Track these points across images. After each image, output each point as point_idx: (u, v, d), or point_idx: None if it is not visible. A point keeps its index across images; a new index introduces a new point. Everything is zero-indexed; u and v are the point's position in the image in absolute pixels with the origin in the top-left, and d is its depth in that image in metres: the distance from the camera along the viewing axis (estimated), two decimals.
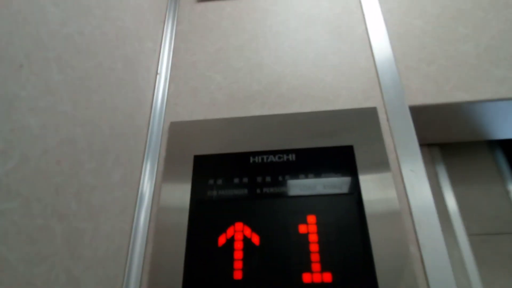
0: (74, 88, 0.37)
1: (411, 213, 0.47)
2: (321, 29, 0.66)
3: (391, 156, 0.52)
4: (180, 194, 0.52)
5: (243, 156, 0.55)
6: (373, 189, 0.49)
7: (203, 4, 0.73)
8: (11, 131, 0.28)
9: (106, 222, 0.42)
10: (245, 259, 0.47)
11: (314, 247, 0.47)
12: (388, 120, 0.55)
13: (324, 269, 0.45)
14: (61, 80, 0.35)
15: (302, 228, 0.48)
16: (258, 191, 0.52)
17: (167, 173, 0.55)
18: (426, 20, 0.64)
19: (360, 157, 0.52)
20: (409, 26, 0.64)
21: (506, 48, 0.59)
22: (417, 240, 0.46)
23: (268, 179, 0.52)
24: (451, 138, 0.67)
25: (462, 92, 0.56)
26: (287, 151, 0.54)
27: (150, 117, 0.59)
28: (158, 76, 0.64)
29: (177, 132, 0.59)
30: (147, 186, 0.53)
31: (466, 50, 0.60)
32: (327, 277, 0.45)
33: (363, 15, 0.66)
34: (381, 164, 0.51)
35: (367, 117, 0.56)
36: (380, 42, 0.62)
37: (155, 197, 0.53)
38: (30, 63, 0.31)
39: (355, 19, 0.66)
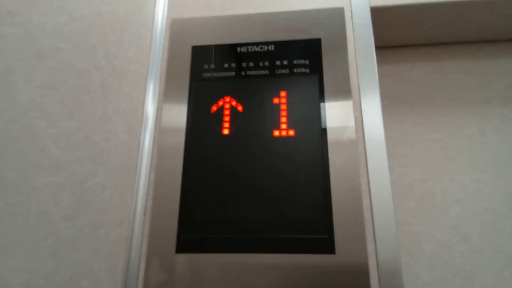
0: None
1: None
2: None
3: (350, 46, 0.65)
4: (181, 75, 0.66)
5: (231, 47, 0.68)
6: (332, 71, 0.63)
7: None
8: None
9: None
10: (231, 121, 0.62)
11: (283, 113, 0.62)
12: (352, 18, 0.67)
13: (289, 127, 0.61)
14: None
15: (275, 100, 0.63)
16: (243, 73, 0.65)
17: (170, 61, 0.68)
18: None
19: (325, 47, 0.65)
20: None
21: None
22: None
23: (251, 64, 0.66)
24: (407, 40, 0.79)
25: None
26: (267, 43, 0.67)
27: (154, 13, 0.71)
28: None
29: (178, 27, 0.70)
30: (154, 68, 0.67)
31: None
32: (291, 132, 0.60)
33: None
34: (342, 50, 0.64)
35: (335, 16, 0.67)
36: None
37: (162, 74, 0.67)
38: None
39: None
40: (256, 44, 0.67)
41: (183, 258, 0.56)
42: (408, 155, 0.77)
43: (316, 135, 0.59)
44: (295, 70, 0.64)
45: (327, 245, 0.53)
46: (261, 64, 0.66)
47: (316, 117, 0.61)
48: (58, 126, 0.39)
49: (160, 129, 0.63)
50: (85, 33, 0.45)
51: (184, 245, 0.56)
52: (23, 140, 0.34)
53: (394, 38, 0.78)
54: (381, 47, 0.79)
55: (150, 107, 0.64)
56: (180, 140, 0.62)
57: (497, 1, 0.66)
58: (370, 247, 0.52)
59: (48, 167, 0.38)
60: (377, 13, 0.68)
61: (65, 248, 0.40)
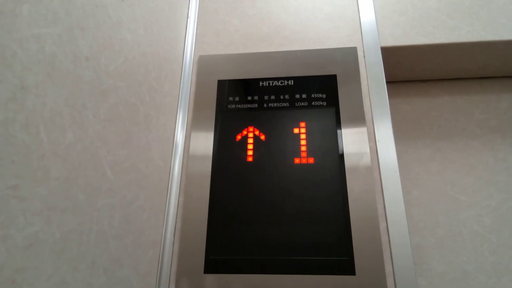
0: (149, 21, 0.56)
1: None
2: None
3: (363, 82, 0.71)
4: (208, 106, 0.72)
5: (254, 81, 0.74)
6: (348, 104, 0.69)
7: None
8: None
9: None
10: (254, 149, 0.68)
11: (303, 142, 0.67)
12: (364, 57, 0.73)
13: (309, 155, 0.66)
14: (139, 7, 0.54)
15: (295, 130, 0.68)
16: (265, 105, 0.71)
17: (197, 93, 0.74)
18: None
19: (340, 82, 0.71)
20: None
21: (460, 4, 0.76)
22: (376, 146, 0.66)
23: (272, 97, 0.72)
24: (414, 76, 0.86)
25: (422, 37, 0.74)
26: (287, 78, 0.73)
27: (184, 50, 0.78)
28: (188, 19, 0.81)
29: (204, 63, 0.77)
30: (183, 92, 0.73)
31: (430, 5, 0.77)
32: (311, 160, 0.65)
33: None
34: (356, 85, 0.70)
35: (349, 54, 0.74)
36: None
37: (190, 106, 0.73)
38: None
39: None
40: (277, 79, 0.74)
41: (211, 278, 0.59)
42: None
43: (334, 162, 0.65)
44: (313, 103, 0.70)
45: (347, 267, 0.57)
46: (281, 97, 0.72)
47: (334, 145, 0.66)
48: (114, 154, 0.45)
49: (188, 156, 0.68)
50: (135, 72, 0.52)
51: (212, 265, 0.60)
52: (89, 166, 0.39)
53: (403, 74, 0.85)
54: (391, 81, 0.86)
55: (179, 136, 0.70)
56: (207, 166, 0.67)
57: (493, 43, 0.73)
58: (388, 268, 0.56)
59: (106, 190, 0.43)
60: (387, 52, 0.75)
61: (114, 265, 0.45)
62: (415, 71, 0.83)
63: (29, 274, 0.30)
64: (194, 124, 0.71)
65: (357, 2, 0.79)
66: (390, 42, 0.75)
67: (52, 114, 0.33)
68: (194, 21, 0.81)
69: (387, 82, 0.72)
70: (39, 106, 0.32)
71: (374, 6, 0.77)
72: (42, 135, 0.32)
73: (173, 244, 0.62)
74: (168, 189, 0.65)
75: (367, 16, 0.77)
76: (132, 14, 0.52)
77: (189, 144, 0.69)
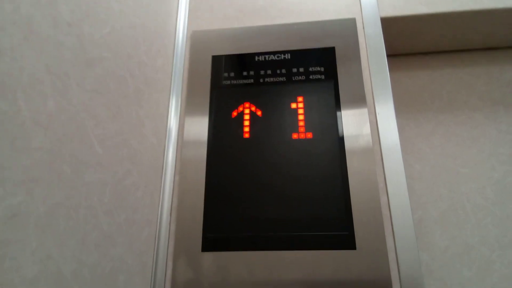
0: (139, 3, 0.53)
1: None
2: None
3: (363, 54, 0.68)
4: (202, 83, 0.70)
5: (249, 56, 0.71)
6: (347, 78, 0.66)
7: None
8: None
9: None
10: (251, 125, 0.66)
11: (301, 117, 0.65)
12: (363, 28, 0.71)
13: (307, 130, 0.64)
14: None
15: (293, 105, 0.66)
16: (261, 80, 0.69)
17: (191, 70, 0.72)
18: None
19: (339, 55, 0.69)
20: None
21: None
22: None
23: (268, 72, 0.69)
24: (415, 49, 0.83)
25: (424, 6, 0.71)
26: (284, 52, 0.71)
27: (176, 25, 0.75)
28: None
29: (198, 38, 0.74)
30: (177, 68, 0.71)
31: None
32: (309, 135, 0.63)
33: None
34: (355, 58, 0.68)
35: (347, 26, 0.71)
36: None
37: (184, 82, 0.70)
38: None
39: None
40: (273, 53, 0.71)
41: (209, 256, 0.58)
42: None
43: (333, 137, 0.63)
44: (311, 77, 0.68)
45: (348, 241, 0.56)
46: (278, 71, 0.69)
47: (333, 119, 0.64)
48: (103, 128, 0.43)
49: (183, 134, 0.66)
50: (123, 43, 0.49)
51: (209, 243, 0.59)
52: (75, 139, 0.38)
53: (404, 46, 0.82)
54: (391, 54, 0.83)
55: (173, 113, 0.68)
56: (203, 144, 0.65)
57: (498, 11, 0.70)
58: (389, 243, 0.55)
59: (94, 165, 0.41)
60: (387, 23, 0.72)
61: (106, 242, 0.43)
62: (416, 42, 0.81)
63: (12, 247, 0.29)
64: (189, 101, 0.69)
65: None
66: (390, 12, 0.72)
67: (30, 80, 0.31)
68: None
69: (387, 56, 0.69)
70: (16, 70, 0.30)
71: None
72: (20, 102, 0.30)
73: (169, 223, 0.61)
74: (163, 167, 0.63)
75: None
76: None
77: (183, 121, 0.67)
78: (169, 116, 0.67)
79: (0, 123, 0.28)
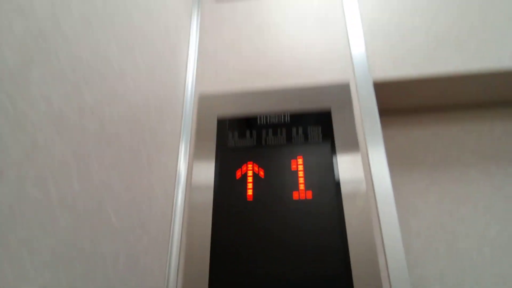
0: (151, 67, 0.59)
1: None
2: (311, 23, 0.87)
3: (357, 115, 0.73)
4: (209, 143, 0.74)
5: (252, 118, 0.77)
6: (343, 137, 0.71)
7: (220, 3, 0.94)
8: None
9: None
10: (254, 186, 0.69)
11: (301, 175, 0.69)
12: (357, 91, 0.76)
13: (307, 189, 0.67)
14: (141, 55, 0.57)
15: (293, 165, 0.70)
16: (263, 141, 0.74)
17: (198, 132, 0.77)
18: (391, 15, 0.84)
19: (335, 116, 0.74)
20: (378, 20, 0.84)
21: (448, 37, 0.79)
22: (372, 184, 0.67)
23: (270, 133, 0.74)
24: (407, 107, 0.89)
25: (413, 70, 0.77)
26: (284, 114, 0.76)
27: (184, 89, 0.81)
28: (188, 59, 0.85)
29: (204, 101, 0.80)
30: (185, 131, 0.75)
31: (418, 38, 0.80)
32: (309, 194, 0.67)
33: (344, 13, 0.86)
34: (350, 118, 0.73)
35: (342, 89, 0.77)
36: (355, 34, 0.83)
37: (191, 143, 0.75)
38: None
39: (337, 15, 0.86)
40: (274, 115, 0.76)
41: None
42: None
43: (331, 196, 0.66)
44: (309, 137, 0.72)
45: None
46: (279, 132, 0.74)
47: (331, 178, 0.67)
48: (118, 199, 0.46)
49: (191, 195, 0.70)
50: (137, 116, 0.54)
51: None
52: (95, 214, 0.41)
53: (396, 105, 0.87)
54: (385, 113, 0.88)
55: (182, 173, 0.71)
56: (208, 208, 0.68)
57: (484, 74, 0.76)
58: None
59: (110, 235, 0.44)
60: (378, 85, 0.77)
61: None
62: (408, 102, 0.86)
63: None
64: (196, 162, 0.73)
65: (348, 39, 0.82)
66: (381, 76, 0.78)
67: (60, 166, 0.35)
68: (194, 62, 0.85)
69: (381, 114, 0.74)
70: (49, 159, 0.34)
71: (364, 41, 0.81)
72: (50, 188, 0.34)
73: (176, 284, 0.62)
74: (170, 228, 0.66)
75: (358, 51, 0.80)
76: (135, 62, 0.55)
77: (191, 180, 0.71)
78: (177, 175, 0.71)
79: (34, 210, 0.32)
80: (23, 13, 0.33)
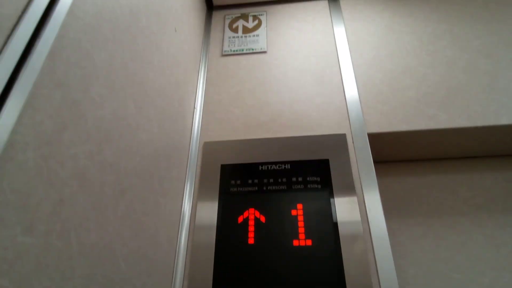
0: (161, 119, 0.64)
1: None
2: (310, 78, 0.94)
3: (353, 164, 0.78)
4: (212, 189, 0.78)
5: (254, 165, 0.81)
6: (340, 184, 0.75)
7: (225, 58, 1.02)
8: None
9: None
10: (255, 231, 0.72)
11: (301, 224, 0.72)
12: (353, 142, 0.81)
13: (307, 237, 0.70)
14: (154, 109, 0.62)
15: (293, 212, 0.73)
16: (265, 188, 0.77)
17: (202, 177, 0.81)
18: (384, 74, 0.91)
19: (333, 166, 0.78)
20: (372, 78, 0.91)
21: (437, 94, 0.86)
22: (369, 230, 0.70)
23: (271, 180, 0.78)
24: (401, 157, 0.93)
25: (404, 124, 0.83)
26: (284, 162, 0.80)
27: (190, 138, 0.86)
28: (194, 109, 0.91)
29: (209, 149, 0.85)
30: (190, 176, 0.79)
31: (409, 94, 0.87)
32: (309, 242, 0.69)
33: (340, 69, 0.94)
34: (347, 167, 0.77)
35: (339, 140, 0.82)
36: (351, 89, 0.89)
37: (195, 189, 0.79)
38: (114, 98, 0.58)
39: (334, 72, 0.94)
40: (275, 163, 0.81)
41: None
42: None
43: (330, 244, 0.68)
44: (309, 186, 0.76)
45: None
46: (279, 180, 0.78)
47: (330, 226, 0.70)
48: (127, 246, 0.49)
49: (193, 244, 0.72)
50: (148, 167, 0.58)
51: None
52: (107, 262, 0.44)
53: (390, 154, 0.92)
54: (380, 162, 0.93)
55: (186, 214, 0.75)
56: (210, 251, 0.70)
57: (469, 129, 0.82)
58: None
59: (119, 281, 0.47)
60: (373, 137, 0.83)
61: None
62: (401, 152, 0.91)
63: None
64: (199, 205, 0.76)
65: (344, 94, 0.89)
66: (376, 129, 0.83)
67: (80, 220, 0.39)
68: (200, 111, 0.91)
69: (376, 163, 0.79)
70: (71, 214, 0.38)
71: (359, 97, 0.88)
72: (72, 239, 0.37)
73: None
74: (173, 273, 0.68)
75: (354, 105, 0.86)
76: (148, 117, 0.60)
77: (194, 223, 0.74)
78: (181, 220, 0.74)
79: (56, 259, 0.35)
80: (61, 85, 0.38)
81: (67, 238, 0.37)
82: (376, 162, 0.79)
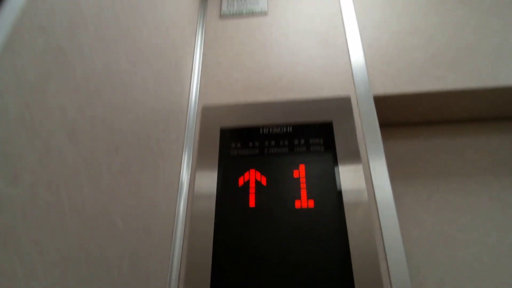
0: (157, 80, 0.62)
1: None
2: (312, 40, 0.89)
3: (358, 127, 0.75)
4: (211, 153, 0.76)
5: (255, 129, 0.79)
6: (344, 148, 0.73)
7: (224, 21, 0.98)
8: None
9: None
10: (256, 194, 0.71)
11: (303, 186, 0.70)
12: (358, 104, 0.78)
13: (309, 198, 0.69)
14: (149, 69, 0.59)
15: (295, 174, 0.72)
16: (266, 151, 0.75)
17: (201, 142, 0.79)
18: (390, 35, 0.87)
19: (337, 129, 0.76)
20: (378, 39, 0.87)
21: (445, 55, 0.82)
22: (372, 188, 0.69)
23: (272, 143, 0.76)
24: (407, 120, 0.90)
25: (411, 86, 0.80)
26: (286, 125, 0.78)
27: (188, 101, 0.83)
28: (192, 72, 0.88)
29: (207, 112, 0.83)
30: (188, 141, 0.77)
31: (417, 57, 0.83)
32: (311, 203, 0.68)
33: (344, 30, 0.89)
34: (351, 131, 0.74)
35: (343, 103, 0.79)
36: (356, 50, 0.86)
37: (194, 153, 0.77)
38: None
39: (338, 33, 0.89)
40: (276, 126, 0.78)
41: None
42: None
43: (333, 205, 0.67)
44: (311, 148, 0.74)
45: None
46: (281, 143, 0.76)
47: (332, 187, 0.69)
48: (124, 205, 0.48)
49: (193, 201, 0.71)
50: (144, 126, 0.56)
51: None
52: (101, 218, 0.43)
53: (396, 118, 0.89)
54: (386, 125, 0.90)
55: (185, 181, 0.73)
56: (210, 215, 0.70)
57: (478, 90, 0.78)
58: None
59: (115, 239, 0.45)
60: (378, 100, 0.80)
61: None
62: (407, 115, 0.88)
63: None
64: (198, 170, 0.75)
65: (349, 55, 0.85)
66: (381, 91, 0.80)
67: (71, 172, 0.37)
68: (198, 75, 0.88)
69: (381, 126, 0.76)
70: (61, 167, 0.36)
71: (364, 58, 0.84)
72: (62, 193, 0.36)
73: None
74: (172, 235, 0.67)
75: (359, 67, 0.83)
76: (143, 76, 0.58)
77: (193, 189, 0.73)
78: (180, 182, 0.73)
79: (45, 213, 0.33)
80: (45, 30, 0.35)
81: (56, 192, 0.35)
82: (381, 125, 0.76)
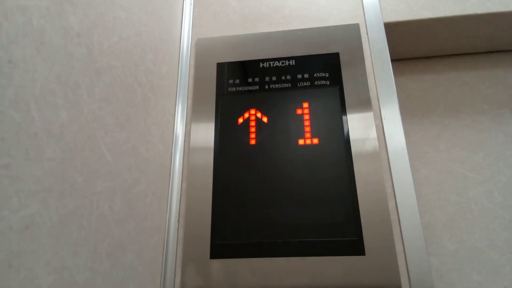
0: (139, 1, 0.54)
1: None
2: None
3: (367, 59, 0.68)
4: (208, 90, 0.70)
5: (254, 62, 0.72)
6: (352, 83, 0.67)
7: None
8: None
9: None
10: (257, 132, 0.66)
11: (307, 123, 0.65)
12: (367, 33, 0.71)
13: (313, 136, 0.64)
14: None
15: (298, 111, 0.66)
16: (267, 86, 0.69)
17: (196, 77, 0.72)
18: None
19: (343, 61, 0.69)
20: None
21: None
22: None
23: (274, 78, 0.70)
24: (418, 53, 0.83)
25: (426, 11, 0.72)
26: (289, 58, 0.71)
27: (181, 33, 0.75)
28: (184, 1, 0.79)
29: (202, 46, 0.75)
30: (182, 76, 0.71)
31: None
32: (315, 141, 0.64)
33: None
34: (360, 63, 0.68)
35: (351, 31, 0.72)
36: None
37: (189, 89, 0.71)
38: None
39: None
40: (278, 59, 0.71)
41: (217, 263, 0.58)
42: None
43: (339, 142, 0.63)
44: (316, 83, 0.68)
45: (357, 247, 0.56)
46: (283, 78, 0.70)
47: (339, 125, 0.64)
48: (112, 136, 0.43)
49: (190, 140, 0.67)
50: (130, 52, 0.50)
51: (218, 250, 0.59)
52: (86, 148, 0.38)
53: (407, 50, 0.82)
54: (396, 59, 0.83)
55: (179, 120, 0.68)
56: (209, 150, 0.65)
57: (501, 14, 0.71)
58: (398, 248, 0.55)
59: (105, 173, 0.41)
60: (390, 28, 0.72)
61: (117, 251, 0.43)
62: (420, 47, 0.81)
63: (27, 258, 0.29)
64: (194, 108, 0.69)
65: None
66: (393, 17, 0.72)
67: (43, 91, 0.32)
68: (191, 3, 0.79)
69: (391, 60, 0.70)
70: (28, 81, 0.30)
71: None
72: (33, 113, 0.30)
73: (177, 230, 0.61)
74: (170, 173, 0.64)
75: None
76: None
77: (190, 128, 0.68)
78: (175, 123, 0.68)
79: (14, 134, 0.28)
80: None
81: (26, 110, 0.30)
82: (392, 58, 0.69)
